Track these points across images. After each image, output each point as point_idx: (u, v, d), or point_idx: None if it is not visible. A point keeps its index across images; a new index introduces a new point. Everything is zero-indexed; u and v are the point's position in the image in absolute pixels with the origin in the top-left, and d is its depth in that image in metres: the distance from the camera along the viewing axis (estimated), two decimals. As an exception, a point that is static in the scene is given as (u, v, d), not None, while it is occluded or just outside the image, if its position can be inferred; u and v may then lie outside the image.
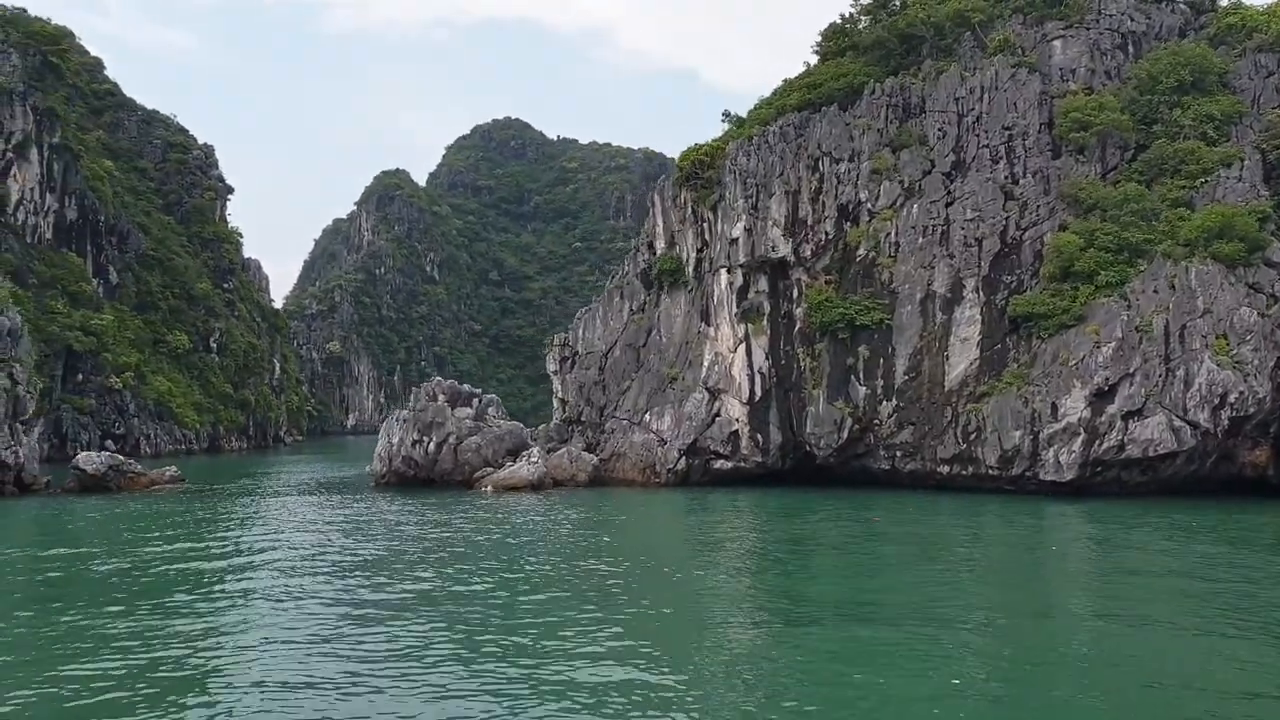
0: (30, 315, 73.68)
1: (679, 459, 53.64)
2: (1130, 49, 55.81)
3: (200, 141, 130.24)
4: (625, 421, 56.74)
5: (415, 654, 17.74)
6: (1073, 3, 56.56)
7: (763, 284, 54.16)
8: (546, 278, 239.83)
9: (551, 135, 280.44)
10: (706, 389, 53.89)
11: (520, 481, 50.50)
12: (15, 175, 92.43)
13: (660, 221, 59.72)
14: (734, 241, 53.98)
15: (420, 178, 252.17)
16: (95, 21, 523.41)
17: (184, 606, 21.96)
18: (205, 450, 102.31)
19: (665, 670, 16.74)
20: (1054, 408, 46.44)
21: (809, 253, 54.05)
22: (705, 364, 54.26)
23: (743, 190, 54.23)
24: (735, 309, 53.78)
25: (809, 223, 54.05)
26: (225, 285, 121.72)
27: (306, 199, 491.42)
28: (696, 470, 53.91)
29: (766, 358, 53.64)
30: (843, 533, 35.96)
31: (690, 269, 57.11)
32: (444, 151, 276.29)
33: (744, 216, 53.78)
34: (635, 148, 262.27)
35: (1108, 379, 45.36)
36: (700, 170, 57.12)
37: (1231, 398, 43.33)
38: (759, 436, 53.37)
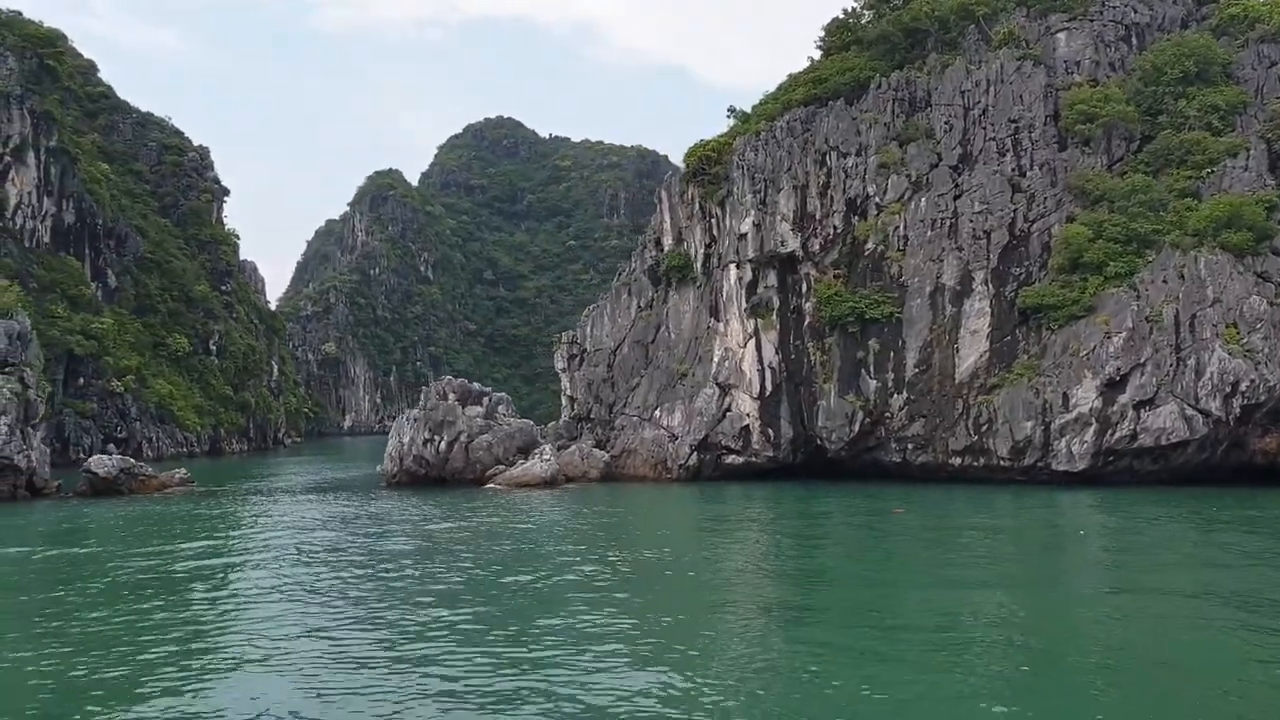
0: (31, 319, 73.36)
1: (690, 454, 53.81)
2: (1134, 41, 56.13)
3: (195, 143, 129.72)
4: (635, 418, 56.87)
5: (460, 641, 17.87)
6: (1076, -5, 56.87)
7: (772, 279, 54.34)
8: (541, 276, 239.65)
9: (544, 134, 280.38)
10: (717, 384, 54.06)
11: (534, 479, 50.57)
12: (13, 179, 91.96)
13: (668, 218, 59.85)
14: (743, 237, 54.14)
15: (412, 177, 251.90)
16: (86, 23, 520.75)
17: (229, 600, 22.05)
18: (206, 453, 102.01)
19: (697, 671, 16.45)
20: (1065, 398, 46.75)
21: (817, 247, 54.25)
22: (715, 359, 54.43)
23: (751, 185, 54.39)
24: (745, 304, 53.95)
25: (817, 217, 54.25)
26: (223, 287, 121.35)
27: (296, 200, 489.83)
28: (708, 465, 54.08)
29: (776, 352, 53.83)
30: (867, 524, 36.16)
31: (699, 265, 57.27)
32: (436, 151, 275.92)
33: (753, 211, 53.94)
34: (629, 145, 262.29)
35: (1119, 369, 45.67)
36: (707, 166, 57.28)
37: (1243, 386, 43.66)
38: (770, 431, 53.57)
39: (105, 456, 53.45)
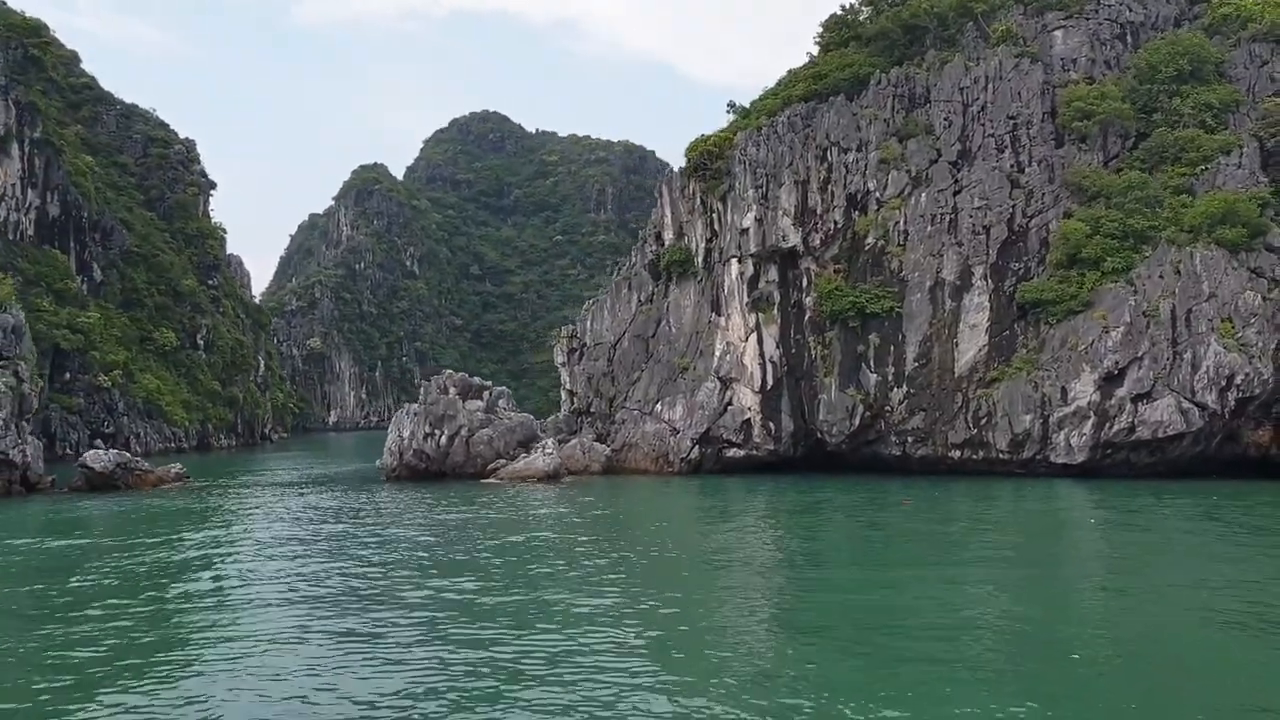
0: (21, 313, 72.50)
1: (692, 448, 54.04)
2: (1129, 39, 56.75)
3: (182, 136, 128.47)
4: (636, 412, 57.03)
5: (478, 637, 18.00)
6: (1072, -7, 57.41)
7: (773, 273, 54.62)
8: (528, 271, 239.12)
9: (531, 128, 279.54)
10: (718, 378, 54.29)
11: (537, 472, 50.64)
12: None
13: (668, 212, 60.00)
14: (745, 231, 54.38)
15: (397, 171, 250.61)
16: (64, 18, 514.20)
17: (248, 594, 22.05)
18: (195, 448, 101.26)
19: (700, 667, 16.52)
20: (1064, 392, 47.33)
21: (818, 242, 54.57)
22: (717, 353, 54.65)
23: (753, 180, 54.62)
24: (746, 298, 54.20)
25: (818, 212, 54.56)
26: (210, 282, 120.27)
27: (277, 195, 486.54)
28: (709, 459, 54.33)
29: (777, 346, 54.13)
30: (869, 517, 36.46)
31: (699, 259, 57.46)
32: (422, 145, 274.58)
33: (754, 206, 54.18)
34: (615, 140, 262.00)
35: (1117, 363, 46.29)
36: (708, 161, 57.44)
37: (1238, 379, 44.35)
38: (771, 424, 53.86)
39: (101, 451, 53.01)
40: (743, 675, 15.49)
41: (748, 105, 63.53)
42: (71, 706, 14.46)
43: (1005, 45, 54.84)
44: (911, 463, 51.83)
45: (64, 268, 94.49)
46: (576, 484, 49.66)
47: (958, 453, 50.20)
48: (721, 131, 60.09)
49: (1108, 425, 46.21)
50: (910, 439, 51.70)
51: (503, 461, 53.27)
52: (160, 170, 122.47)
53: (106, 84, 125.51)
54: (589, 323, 62.62)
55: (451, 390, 56.13)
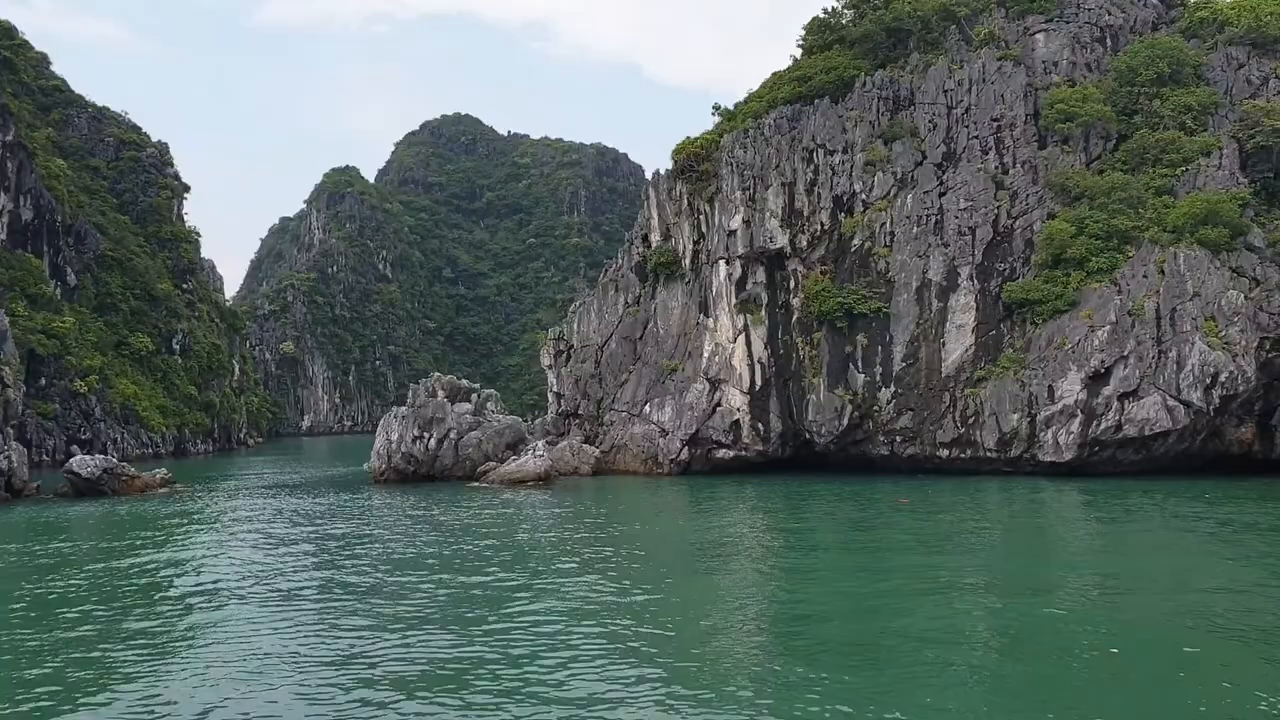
0: (-5, 318, 71.34)
1: (681, 449, 54.15)
2: (1109, 42, 57.65)
3: (154, 139, 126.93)
4: (625, 413, 57.06)
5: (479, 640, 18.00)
6: (1052, -4, 58.26)
7: (760, 275, 54.88)
8: (501, 274, 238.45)
9: (502, 131, 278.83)
10: (707, 379, 54.45)
11: (528, 475, 50.49)
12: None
13: (655, 214, 60.10)
14: (732, 233, 54.61)
15: (367, 174, 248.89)
16: (20, 15, 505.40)
17: (247, 594, 21.88)
18: (172, 454, 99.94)
19: (689, 670, 16.57)
20: (1051, 391, 47.93)
21: (805, 243, 54.91)
22: (705, 355, 54.81)
23: (740, 182, 54.88)
24: (734, 300, 54.41)
25: (805, 214, 54.90)
26: (185, 286, 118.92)
27: (244, 198, 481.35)
28: (698, 460, 54.46)
29: (765, 348, 54.39)
30: (859, 516, 36.64)
31: (687, 261, 57.61)
32: (394, 148, 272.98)
33: (742, 208, 54.44)
34: (588, 143, 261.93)
35: (1103, 361, 46.93)
36: (695, 163, 57.62)
37: (1223, 377, 45.12)
38: (760, 425, 54.09)
39: (87, 457, 52.24)
40: (735, 674, 15.57)
41: (731, 108, 63.80)
42: (65, 708, 14.46)
43: (988, 48, 55.54)
44: (900, 462, 52.26)
45: (38, 272, 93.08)
46: (566, 486, 49.60)
47: (946, 452, 50.68)
48: (707, 134, 60.36)
49: (1095, 423, 46.83)
50: (898, 438, 52.13)
51: (492, 464, 53.10)
52: (133, 174, 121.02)
53: (75, 86, 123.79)
54: (575, 325, 62.58)
55: (440, 393, 55.90)
